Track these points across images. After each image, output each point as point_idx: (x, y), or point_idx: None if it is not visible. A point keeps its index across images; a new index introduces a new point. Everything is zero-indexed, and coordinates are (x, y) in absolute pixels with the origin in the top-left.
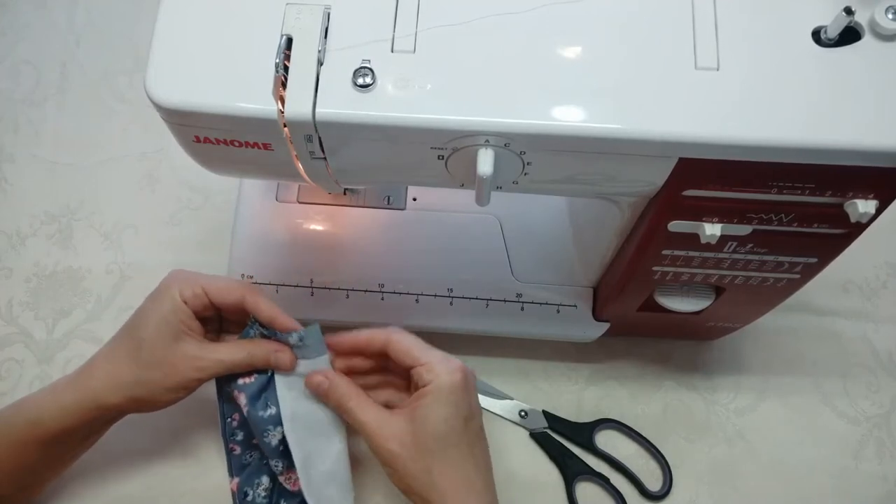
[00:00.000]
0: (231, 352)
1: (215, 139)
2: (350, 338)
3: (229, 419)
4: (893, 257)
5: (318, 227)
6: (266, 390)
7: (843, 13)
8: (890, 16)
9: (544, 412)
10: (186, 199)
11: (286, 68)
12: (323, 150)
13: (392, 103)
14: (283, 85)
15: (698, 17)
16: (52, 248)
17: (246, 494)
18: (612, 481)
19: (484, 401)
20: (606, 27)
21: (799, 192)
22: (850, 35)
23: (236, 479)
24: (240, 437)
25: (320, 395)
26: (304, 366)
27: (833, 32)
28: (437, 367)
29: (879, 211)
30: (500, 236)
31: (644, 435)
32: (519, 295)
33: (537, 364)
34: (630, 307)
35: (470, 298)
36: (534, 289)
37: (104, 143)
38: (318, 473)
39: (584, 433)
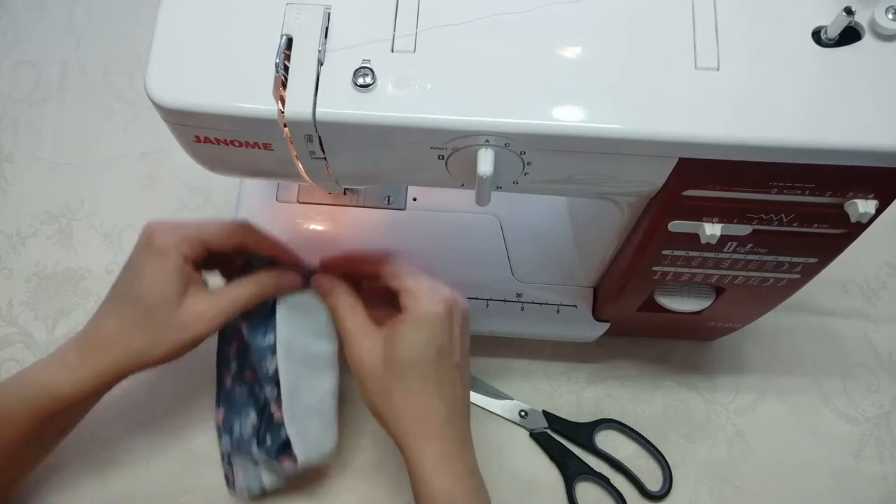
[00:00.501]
0: (240, 292)
1: (215, 139)
2: (345, 255)
3: (227, 346)
4: (893, 257)
5: (318, 227)
6: (268, 320)
7: (843, 13)
8: (890, 16)
9: (544, 412)
10: (186, 199)
11: (286, 68)
12: (323, 150)
13: (392, 103)
14: (283, 85)
15: (698, 17)
16: (52, 248)
17: (232, 427)
18: (612, 481)
19: (484, 401)
20: (606, 27)
21: (799, 192)
22: (850, 35)
23: (222, 410)
24: (233, 367)
25: (322, 297)
26: (307, 296)
27: (833, 32)
28: (421, 295)
29: (879, 211)
30: (500, 236)
31: (644, 435)
32: (519, 295)
33: (537, 364)
34: (630, 307)
35: (470, 298)
36: (534, 289)
37: (104, 143)
38: (301, 406)
39: (584, 433)
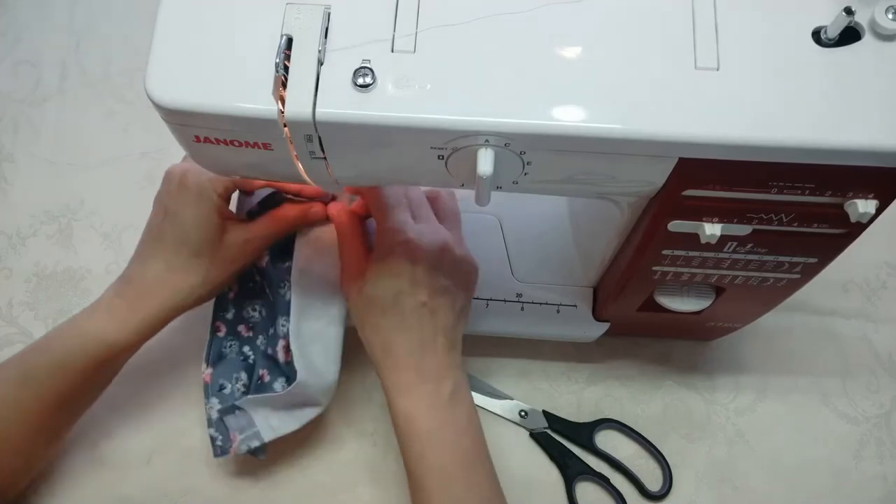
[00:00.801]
0: (272, 224)
1: (215, 139)
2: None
3: (228, 290)
4: (893, 257)
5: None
6: (287, 248)
7: (843, 13)
8: (890, 16)
9: (544, 412)
10: None
11: (286, 68)
12: (323, 150)
13: (392, 103)
14: (283, 85)
15: (698, 17)
16: (52, 248)
17: (223, 387)
18: (612, 481)
19: (484, 401)
20: (606, 27)
21: (799, 192)
22: (850, 35)
23: (210, 370)
24: (230, 314)
25: (333, 222)
26: (327, 230)
27: (833, 32)
28: (384, 236)
29: (879, 211)
30: (500, 236)
31: (644, 435)
32: (519, 295)
33: (537, 364)
34: (630, 307)
35: None
36: (534, 289)
37: (104, 143)
38: (308, 328)
39: (584, 433)
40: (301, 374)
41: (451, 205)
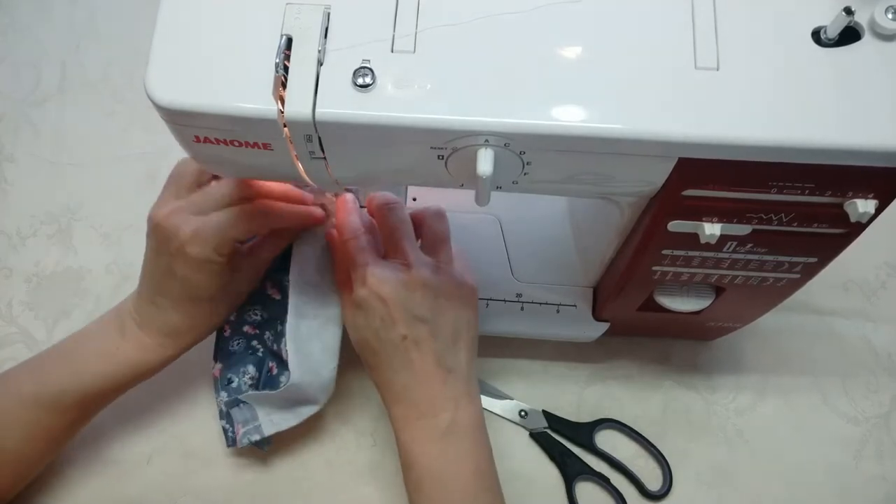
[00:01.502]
0: (269, 252)
1: (215, 139)
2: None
3: None
4: (893, 257)
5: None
6: (286, 251)
7: (843, 13)
8: (890, 16)
9: (544, 412)
10: None
11: (286, 68)
12: (323, 150)
13: (392, 103)
14: (283, 85)
15: (698, 17)
16: (52, 248)
17: (230, 381)
18: (612, 481)
19: (484, 401)
20: (606, 27)
21: (799, 192)
22: (850, 35)
23: (219, 366)
24: (232, 316)
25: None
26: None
27: (833, 32)
28: (355, 280)
29: (879, 211)
30: (500, 236)
31: (644, 435)
32: (519, 295)
33: (537, 364)
34: (630, 307)
35: None
36: (534, 289)
37: (104, 143)
38: (307, 326)
39: (584, 433)
40: (294, 376)
41: (438, 227)
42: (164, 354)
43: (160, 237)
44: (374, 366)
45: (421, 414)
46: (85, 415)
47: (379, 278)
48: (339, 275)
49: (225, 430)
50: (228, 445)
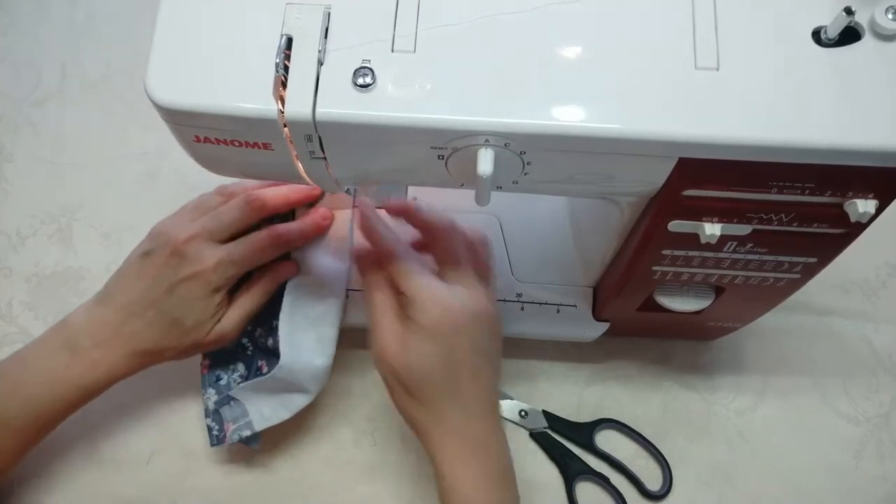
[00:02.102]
0: (251, 302)
1: (215, 139)
2: (373, 242)
3: None
4: (893, 257)
5: None
6: None
7: (843, 13)
8: (890, 16)
9: (544, 412)
10: (186, 198)
11: (286, 68)
12: (323, 150)
13: (392, 103)
14: (283, 85)
15: (698, 17)
16: (52, 248)
17: (219, 378)
18: (612, 481)
19: None
20: (606, 27)
21: (799, 192)
22: (850, 35)
23: (207, 362)
24: None
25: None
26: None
27: (833, 32)
28: (425, 306)
29: (879, 211)
30: (500, 236)
31: (644, 435)
32: (519, 295)
33: (537, 364)
34: (630, 307)
35: None
36: (534, 289)
37: (104, 143)
38: (302, 315)
39: (584, 433)
40: (285, 357)
41: (486, 255)
42: (116, 373)
43: (175, 259)
44: (427, 397)
45: (474, 451)
46: (38, 435)
47: (448, 306)
48: (374, 291)
49: (210, 429)
50: (213, 444)
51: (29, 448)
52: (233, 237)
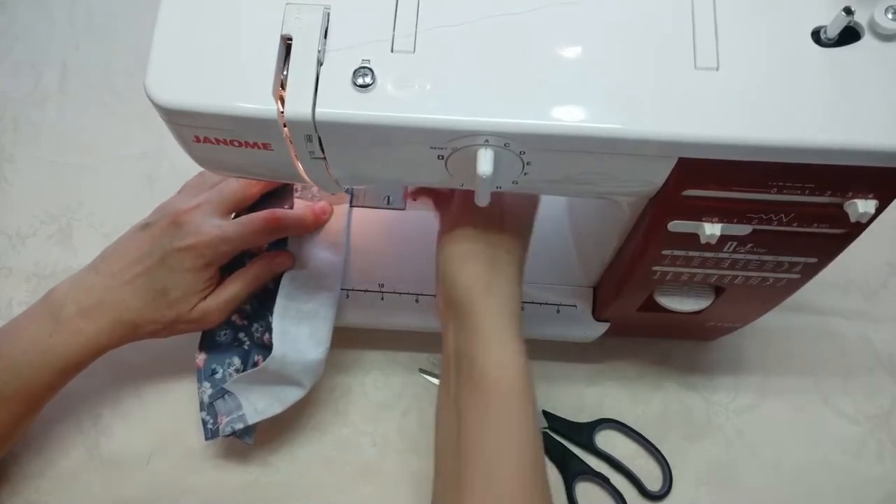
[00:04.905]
0: (240, 288)
1: (215, 139)
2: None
3: None
4: (893, 257)
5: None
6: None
7: (843, 13)
8: (890, 16)
9: (544, 412)
10: None
11: (286, 68)
12: (323, 150)
13: (392, 103)
14: (283, 85)
15: (698, 17)
16: (52, 248)
17: (214, 371)
18: (612, 481)
19: None
20: (606, 27)
21: (799, 192)
22: (849, 35)
23: (203, 356)
24: None
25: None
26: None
27: (833, 32)
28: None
29: (879, 211)
30: None
31: (644, 435)
32: None
33: (537, 364)
34: (630, 307)
35: None
36: (534, 289)
37: (104, 143)
38: (296, 308)
39: (584, 433)
40: (277, 348)
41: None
42: (98, 344)
43: (173, 228)
44: (471, 263)
45: (511, 314)
46: (28, 408)
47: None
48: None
49: (204, 422)
50: (207, 438)
51: (21, 423)
52: (234, 213)
